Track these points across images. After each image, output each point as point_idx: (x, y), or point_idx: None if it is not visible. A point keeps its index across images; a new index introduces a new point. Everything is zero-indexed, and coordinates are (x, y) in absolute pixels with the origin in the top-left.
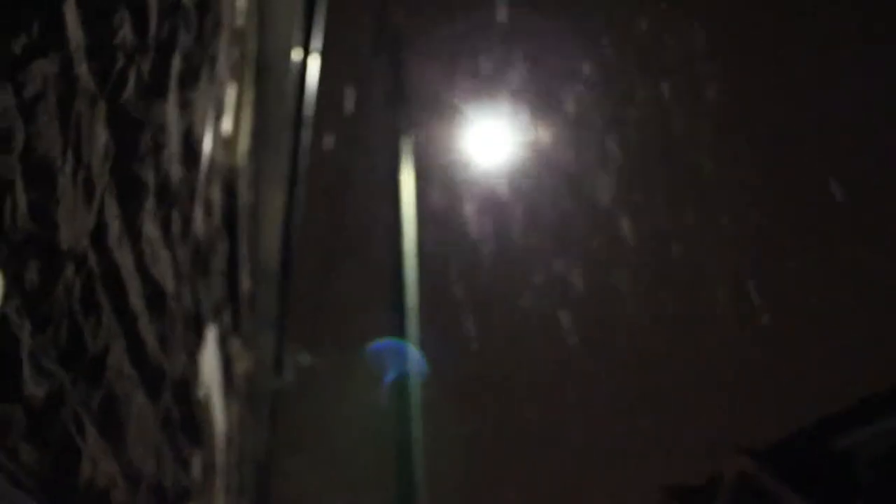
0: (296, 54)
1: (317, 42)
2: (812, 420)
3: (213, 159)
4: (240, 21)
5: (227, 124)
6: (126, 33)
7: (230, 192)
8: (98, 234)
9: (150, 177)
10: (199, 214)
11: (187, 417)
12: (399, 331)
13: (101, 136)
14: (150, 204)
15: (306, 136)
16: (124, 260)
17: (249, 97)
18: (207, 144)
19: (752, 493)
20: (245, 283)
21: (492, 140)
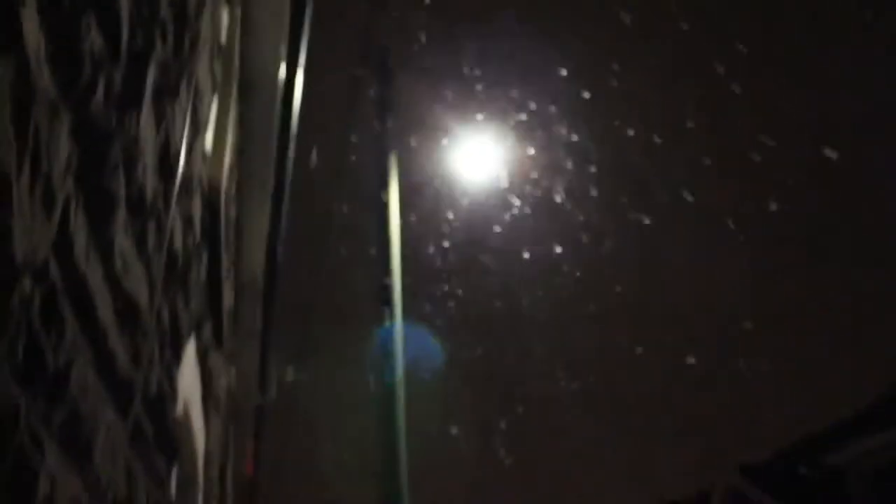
0: (281, 70)
1: (303, 57)
2: (803, 436)
3: (192, 173)
4: (223, 37)
5: (208, 139)
6: (94, 41)
7: (212, 206)
8: (62, 247)
9: (121, 189)
10: (177, 228)
11: (163, 433)
12: (385, 342)
13: (65, 146)
14: (121, 216)
15: (292, 150)
16: (92, 272)
17: (233, 112)
18: (186, 158)
19: None
20: (228, 298)
21: (478, 154)
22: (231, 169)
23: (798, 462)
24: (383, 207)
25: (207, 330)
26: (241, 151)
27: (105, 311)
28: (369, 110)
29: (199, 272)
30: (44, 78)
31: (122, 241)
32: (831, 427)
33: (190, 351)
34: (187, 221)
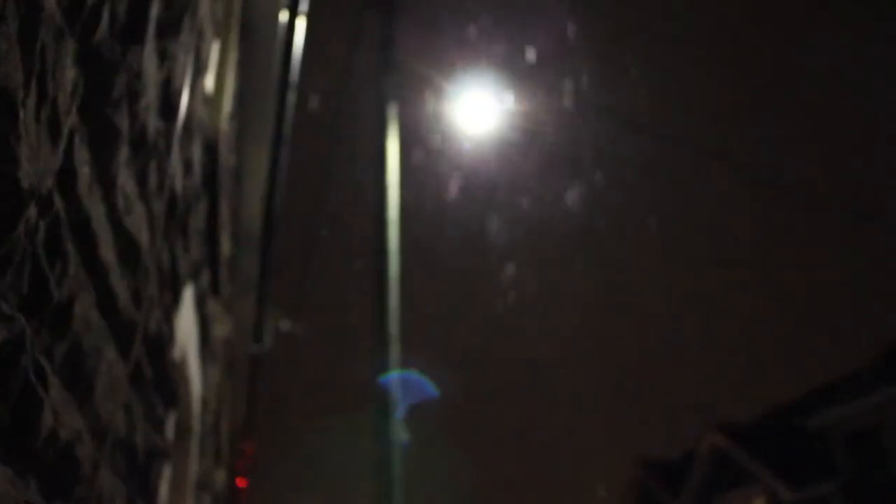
0: (282, 16)
1: (304, 4)
2: (786, 399)
3: (193, 115)
4: None
5: (209, 82)
6: None
7: (212, 151)
8: (66, 179)
9: (124, 124)
10: (178, 170)
11: (161, 376)
12: (381, 296)
13: (70, 72)
14: (124, 153)
15: (291, 99)
16: (95, 209)
17: (234, 57)
18: (188, 99)
19: (726, 468)
20: (225, 246)
21: (478, 108)
22: (231, 115)
23: (781, 424)
24: (382, 158)
25: (205, 277)
26: (240, 97)
27: (107, 249)
28: (370, 58)
29: (199, 217)
30: (49, 1)
31: (125, 179)
32: (814, 391)
33: (188, 297)
34: (187, 165)
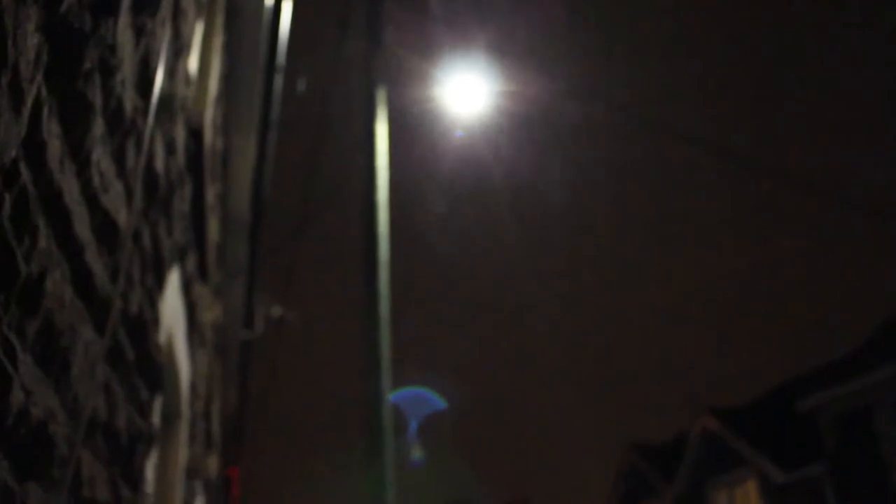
0: None
1: None
2: (777, 382)
3: (176, 96)
4: None
5: (193, 64)
6: None
7: (196, 133)
8: (34, 150)
9: (97, 98)
10: (159, 150)
11: (145, 359)
12: (371, 281)
13: (33, 38)
14: (99, 128)
15: (279, 82)
16: (68, 183)
17: (219, 39)
18: (168, 78)
19: (718, 451)
20: (213, 230)
21: (467, 90)
22: (218, 98)
23: (772, 407)
24: (371, 142)
25: (192, 261)
26: (227, 80)
27: (82, 226)
28: (358, 40)
29: (183, 201)
30: None
31: (100, 155)
32: (804, 374)
33: (173, 281)
34: (170, 146)
